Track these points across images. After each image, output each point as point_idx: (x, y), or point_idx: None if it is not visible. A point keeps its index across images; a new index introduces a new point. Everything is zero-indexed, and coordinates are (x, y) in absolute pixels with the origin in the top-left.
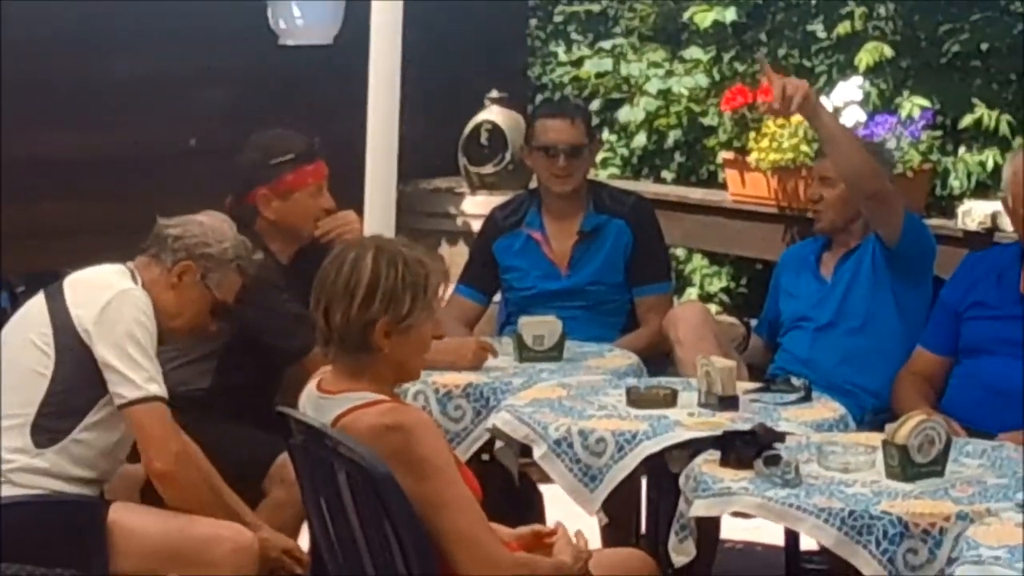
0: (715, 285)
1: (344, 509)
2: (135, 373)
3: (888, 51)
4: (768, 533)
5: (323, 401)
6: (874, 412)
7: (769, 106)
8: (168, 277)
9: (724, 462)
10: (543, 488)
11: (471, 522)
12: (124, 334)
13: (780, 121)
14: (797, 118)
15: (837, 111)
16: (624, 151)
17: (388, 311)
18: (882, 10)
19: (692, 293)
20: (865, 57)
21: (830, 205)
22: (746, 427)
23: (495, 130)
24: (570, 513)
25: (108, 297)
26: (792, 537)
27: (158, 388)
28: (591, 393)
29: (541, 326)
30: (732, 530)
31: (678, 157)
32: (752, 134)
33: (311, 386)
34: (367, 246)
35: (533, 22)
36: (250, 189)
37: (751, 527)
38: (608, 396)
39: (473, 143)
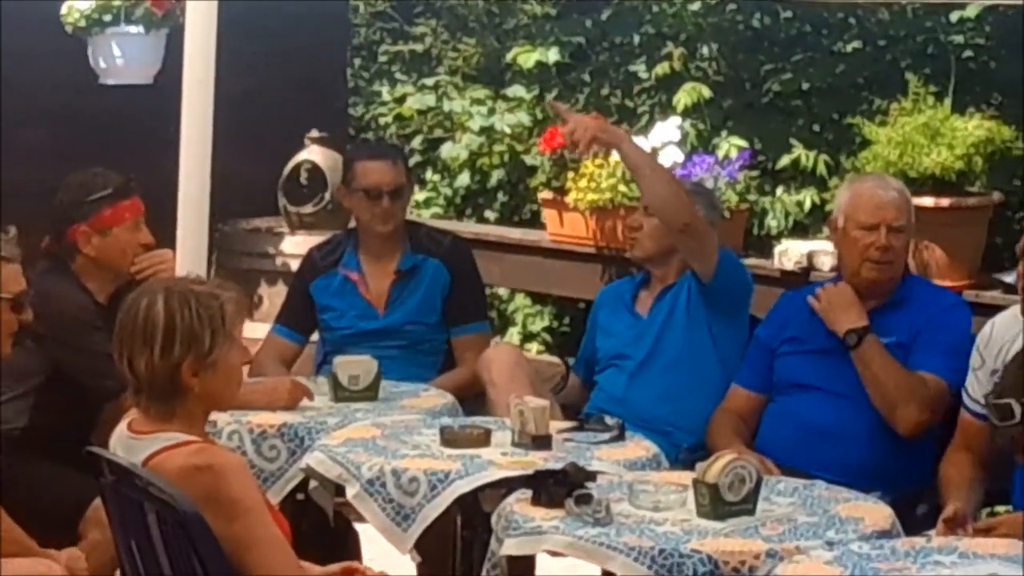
0: (537, 324)
1: (154, 549)
2: None
3: (706, 92)
4: (587, 571)
5: (133, 441)
6: (690, 450)
7: (568, 146)
8: None
9: (536, 501)
10: (360, 527)
11: (281, 562)
12: None
13: (598, 161)
14: (615, 159)
15: (655, 151)
16: (447, 191)
17: (191, 351)
18: (705, 51)
19: (514, 332)
20: (683, 98)
21: (647, 234)
22: (558, 466)
23: (315, 170)
24: (386, 552)
25: None
26: (609, 575)
27: None
28: (405, 433)
29: (356, 366)
30: (550, 568)
31: (501, 197)
32: (571, 174)
33: (122, 426)
34: (156, 290)
35: (357, 62)
36: (69, 226)
37: (569, 565)
38: (422, 436)
39: (293, 183)
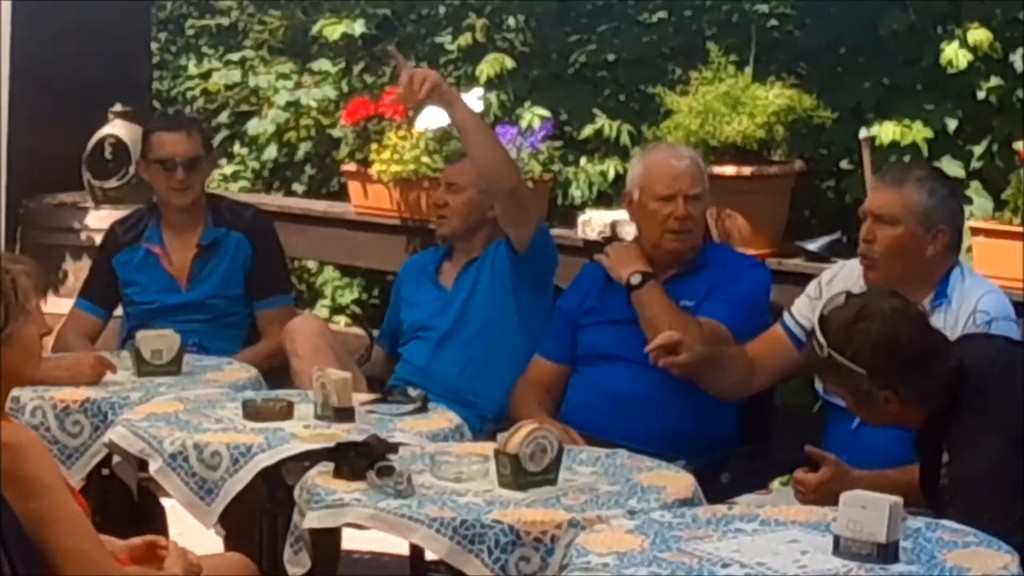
0: (347, 297)
1: None
2: None
3: (509, 62)
4: (394, 543)
5: None
6: (495, 420)
7: (399, 94)
8: None
9: (338, 474)
10: (167, 502)
11: (81, 538)
12: None
13: (402, 133)
14: (418, 130)
15: None
16: (255, 164)
17: None
18: (511, 21)
19: (324, 305)
20: (486, 68)
21: (455, 212)
22: (360, 438)
23: (119, 144)
24: (194, 527)
25: None
26: (416, 547)
27: None
28: (208, 407)
29: (159, 340)
30: (358, 541)
31: (309, 170)
32: (374, 146)
33: None
34: None
35: (164, 35)
36: None
37: (377, 537)
38: (225, 409)
39: (97, 157)
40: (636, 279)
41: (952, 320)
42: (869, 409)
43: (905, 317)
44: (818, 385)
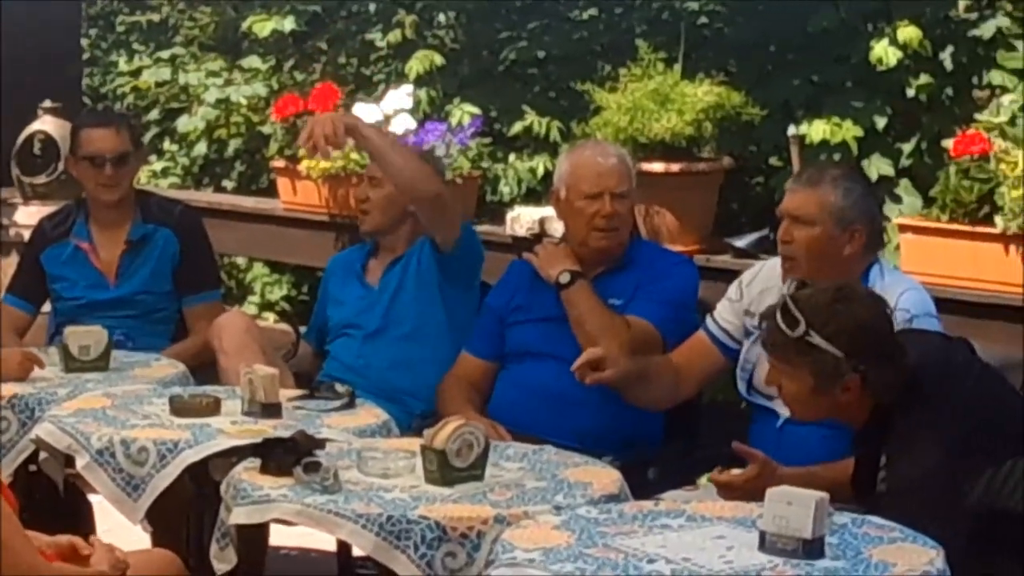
0: (276, 293)
1: None
2: None
3: (439, 59)
4: (322, 539)
5: None
6: (423, 417)
7: (310, 151)
8: None
9: (264, 469)
10: (95, 499)
11: (8, 534)
12: None
13: None
14: None
15: (388, 118)
16: (185, 160)
17: None
18: (442, 18)
19: (253, 301)
20: (416, 65)
21: (376, 206)
22: (287, 434)
23: (48, 140)
24: (122, 523)
25: None
26: (344, 543)
27: None
28: (135, 403)
29: (87, 336)
30: (285, 537)
31: (239, 166)
32: None
33: None
34: None
35: (94, 32)
36: None
37: (305, 533)
38: (152, 405)
39: (26, 153)
40: (565, 278)
41: None
42: (821, 397)
43: (878, 303)
44: (741, 386)
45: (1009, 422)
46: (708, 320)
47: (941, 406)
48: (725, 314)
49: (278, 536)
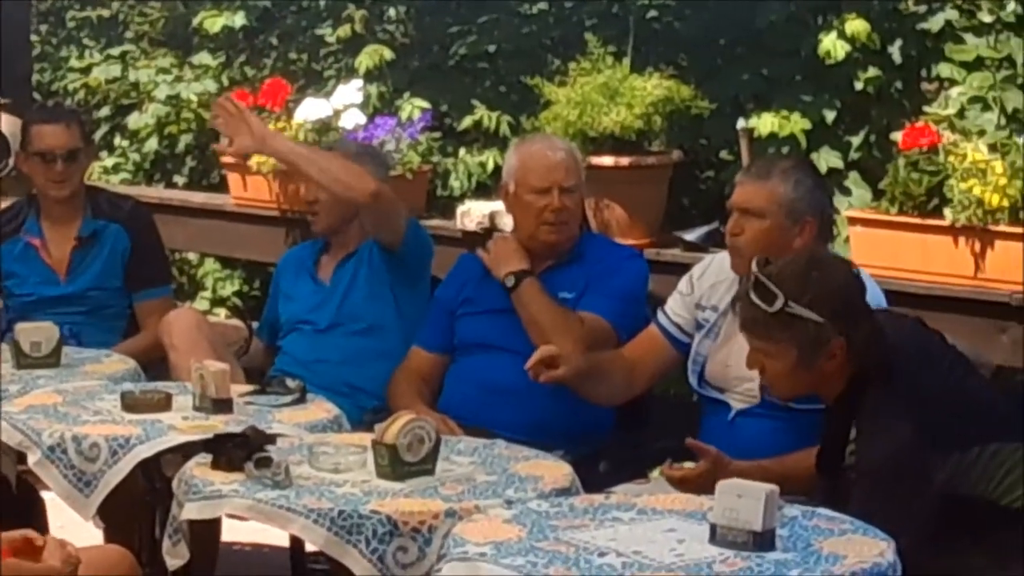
0: (228, 289)
1: None
2: None
3: (388, 54)
4: (275, 535)
5: None
6: (374, 412)
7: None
8: None
9: (215, 465)
10: (48, 495)
11: None
12: None
13: (281, 124)
14: (297, 122)
15: (338, 113)
16: (136, 156)
17: None
18: (392, 12)
19: (205, 297)
20: (365, 60)
21: (324, 207)
22: (238, 430)
23: None
24: (75, 520)
25: None
26: (297, 538)
27: None
28: (87, 399)
29: (38, 332)
30: (238, 532)
31: (190, 162)
32: None
33: None
34: None
35: (44, 27)
36: None
37: (258, 528)
38: (104, 401)
39: None
40: (510, 281)
41: None
42: (805, 371)
43: (846, 264)
44: (692, 379)
45: (978, 410)
46: (659, 314)
47: (915, 386)
48: (676, 308)
49: (231, 532)
